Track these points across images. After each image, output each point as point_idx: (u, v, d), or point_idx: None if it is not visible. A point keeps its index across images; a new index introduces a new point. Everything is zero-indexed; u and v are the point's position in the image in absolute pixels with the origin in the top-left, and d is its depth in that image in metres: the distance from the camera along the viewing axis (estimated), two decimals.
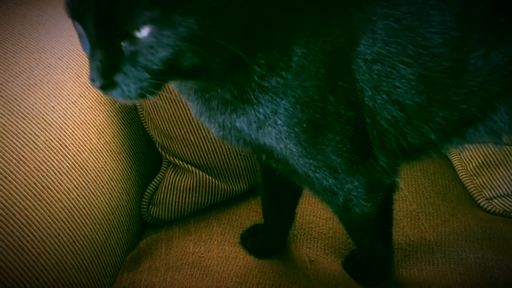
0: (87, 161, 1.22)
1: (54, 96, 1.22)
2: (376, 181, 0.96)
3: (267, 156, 0.96)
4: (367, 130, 0.91)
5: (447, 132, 0.93)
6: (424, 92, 0.88)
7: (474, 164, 1.35)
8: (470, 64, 0.86)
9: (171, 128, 1.33)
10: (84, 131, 1.24)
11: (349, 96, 0.88)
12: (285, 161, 0.94)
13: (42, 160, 1.12)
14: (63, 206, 1.13)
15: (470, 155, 1.36)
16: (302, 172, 0.95)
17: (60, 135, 1.18)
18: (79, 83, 1.29)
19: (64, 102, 1.23)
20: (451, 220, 1.27)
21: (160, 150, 1.39)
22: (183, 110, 1.31)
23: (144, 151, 1.43)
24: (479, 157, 1.35)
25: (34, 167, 1.10)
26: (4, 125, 1.09)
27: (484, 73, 0.87)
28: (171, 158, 1.37)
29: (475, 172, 1.35)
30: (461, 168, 1.38)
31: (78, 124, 1.24)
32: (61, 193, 1.13)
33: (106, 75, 0.74)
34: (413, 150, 0.95)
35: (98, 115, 1.30)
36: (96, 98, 1.31)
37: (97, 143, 1.27)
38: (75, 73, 1.30)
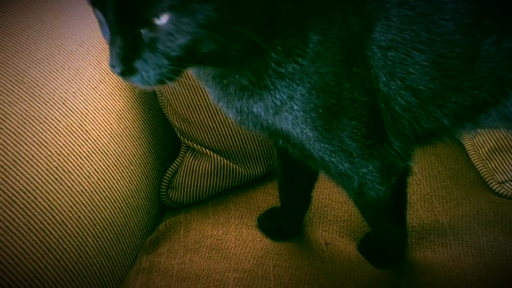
0: (107, 146, 1.18)
1: (75, 82, 1.17)
2: (390, 165, 0.93)
3: (283, 140, 0.93)
4: (381, 115, 0.89)
5: (460, 117, 0.90)
6: (437, 78, 0.85)
7: (486, 148, 1.30)
8: (483, 50, 0.83)
9: (190, 113, 1.29)
10: (105, 116, 1.21)
11: (364, 82, 0.85)
12: (301, 145, 0.91)
13: (63, 144, 1.09)
14: (84, 190, 1.10)
15: (483, 140, 1.31)
16: (318, 157, 0.92)
17: (81, 120, 1.14)
18: (99, 69, 1.25)
19: (85, 88, 1.19)
20: (464, 204, 1.22)
21: (179, 135, 1.35)
22: (202, 95, 1.27)
23: (163, 136, 1.39)
24: (491, 141, 1.30)
25: (56, 151, 1.07)
26: (26, 110, 1.06)
27: (496, 60, 0.84)
28: (190, 143, 1.33)
29: (487, 157, 1.30)
30: (473, 152, 1.33)
31: (98, 109, 1.20)
32: (82, 177, 1.10)
33: (126, 62, 0.71)
34: (427, 135, 0.92)
35: (118, 101, 1.26)
36: (116, 84, 1.27)
37: (117, 128, 1.22)
38: (96, 59, 1.25)
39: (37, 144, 1.04)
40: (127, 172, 1.21)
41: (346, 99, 0.85)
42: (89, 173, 1.12)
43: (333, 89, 0.84)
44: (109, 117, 1.21)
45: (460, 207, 1.22)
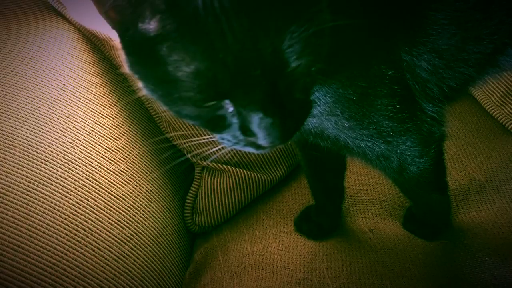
0: (121, 191, 1.04)
1: (69, 131, 1.02)
2: (428, 134, 0.86)
3: (315, 136, 0.86)
4: (409, 86, 0.82)
5: (483, 64, 0.85)
6: (457, 33, 0.79)
7: (498, 95, 1.20)
8: None
9: (196, 132, 1.16)
10: (110, 159, 1.06)
11: (387, 55, 0.79)
12: (336, 137, 0.84)
13: (76, 202, 0.94)
14: (111, 245, 0.96)
15: (492, 88, 1.21)
16: (353, 145, 0.85)
17: (87, 171, 1.00)
18: (90, 111, 1.09)
19: (81, 135, 1.04)
20: (494, 155, 1.13)
21: (190, 157, 1.20)
22: None
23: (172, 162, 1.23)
24: (501, 87, 1.20)
25: (70, 213, 0.92)
26: (26, 176, 0.91)
27: None
28: (203, 162, 1.21)
29: (501, 102, 1.20)
30: (486, 101, 1.23)
31: (101, 153, 1.05)
32: (105, 231, 0.96)
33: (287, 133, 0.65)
34: (455, 92, 0.86)
35: (119, 139, 1.11)
36: (112, 122, 1.12)
37: (126, 168, 1.08)
38: (84, 101, 1.10)
39: (48, 210, 0.90)
40: (148, 212, 1.07)
41: (375, 78, 0.78)
42: (111, 225, 0.97)
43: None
44: (114, 159, 1.06)
45: (491, 159, 1.12)
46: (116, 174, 1.05)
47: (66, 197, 0.94)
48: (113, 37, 1.19)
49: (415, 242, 1.01)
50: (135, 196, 1.06)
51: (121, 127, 1.13)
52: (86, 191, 0.97)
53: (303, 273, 0.98)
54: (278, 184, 1.24)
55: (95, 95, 1.11)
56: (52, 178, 0.94)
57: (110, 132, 1.09)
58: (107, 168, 1.04)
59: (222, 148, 0.70)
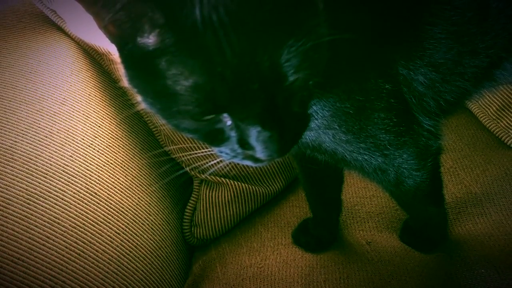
0: (120, 204, 1.04)
1: (69, 145, 1.03)
2: (424, 148, 0.87)
3: (312, 150, 0.86)
4: (406, 99, 0.83)
5: (479, 78, 0.86)
6: (453, 47, 0.80)
7: (494, 108, 1.22)
8: (492, 8, 0.79)
9: (195, 145, 1.16)
10: (109, 172, 1.06)
11: (385, 68, 0.80)
12: (334, 151, 0.84)
13: (74, 216, 0.95)
14: (110, 257, 0.96)
15: (488, 101, 1.23)
16: (350, 158, 0.85)
17: (86, 184, 1.00)
18: (89, 124, 1.10)
19: (81, 148, 1.04)
20: (490, 168, 1.14)
21: (188, 170, 1.21)
22: None
23: (171, 175, 1.24)
24: (497, 101, 1.21)
25: (70, 225, 0.92)
26: (26, 189, 0.91)
27: (508, 14, 0.79)
28: (202, 175, 1.21)
29: (497, 116, 1.21)
30: (482, 114, 1.24)
31: (100, 166, 1.05)
32: (104, 244, 0.96)
33: (284, 147, 0.65)
34: (451, 106, 0.87)
35: (118, 152, 1.12)
36: (111, 135, 1.13)
37: (125, 181, 1.08)
38: (83, 115, 1.10)
39: (48, 223, 0.90)
40: (147, 225, 1.07)
41: (372, 91, 0.79)
42: (111, 238, 0.97)
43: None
44: (113, 172, 1.07)
45: (487, 172, 1.13)
46: (115, 187, 1.05)
47: (66, 210, 0.94)
48: (112, 51, 1.20)
49: (412, 255, 1.02)
50: (134, 209, 1.06)
51: (120, 140, 1.14)
52: (86, 204, 0.98)
53: (301, 285, 0.98)
54: (276, 197, 1.25)
55: (94, 108, 1.12)
56: (51, 191, 0.94)
57: (109, 146, 1.10)
58: (106, 181, 1.04)
59: (221, 161, 0.70)
